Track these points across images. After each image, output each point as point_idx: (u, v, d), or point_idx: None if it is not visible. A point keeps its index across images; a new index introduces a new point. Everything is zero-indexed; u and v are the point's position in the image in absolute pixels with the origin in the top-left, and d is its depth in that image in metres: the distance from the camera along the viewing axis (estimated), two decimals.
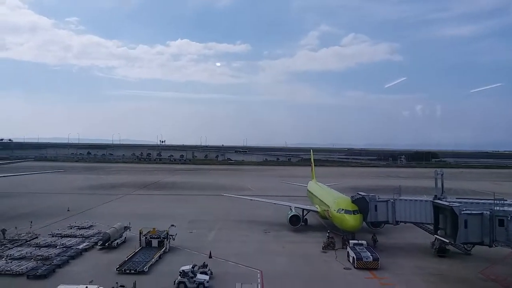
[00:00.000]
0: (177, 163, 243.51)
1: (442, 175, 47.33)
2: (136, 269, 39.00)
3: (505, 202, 40.77)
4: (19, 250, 44.87)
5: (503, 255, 43.72)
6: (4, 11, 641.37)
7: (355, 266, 41.07)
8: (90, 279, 35.57)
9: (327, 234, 50.75)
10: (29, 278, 37.22)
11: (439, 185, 46.87)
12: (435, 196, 45.71)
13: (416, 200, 48.02)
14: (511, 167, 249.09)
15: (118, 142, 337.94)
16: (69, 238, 50.95)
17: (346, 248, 45.40)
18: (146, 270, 39.13)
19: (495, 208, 38.20)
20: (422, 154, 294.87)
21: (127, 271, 38.75)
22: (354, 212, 48.98)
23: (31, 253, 43.83)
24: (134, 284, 34.30)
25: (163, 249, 46.05)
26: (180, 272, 35.81)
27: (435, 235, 45.03)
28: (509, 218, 36.72)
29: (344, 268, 41.34)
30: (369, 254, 42.04)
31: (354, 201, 50.85)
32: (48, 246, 47.29)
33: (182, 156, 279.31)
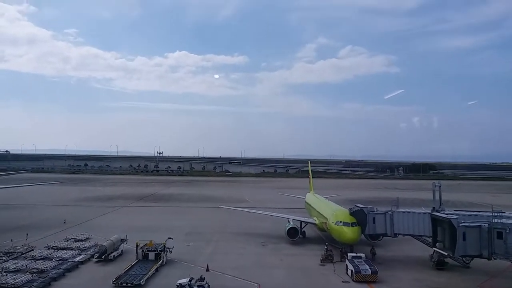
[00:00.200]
0: (175, 175, 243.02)
1: (440, 187, 47.29)
2: (132, 282, 38.56)
3: (503, 214, 40.72)
4: (15, 263, 44.29)
5: (502, 268, 43.66)
6: (3, 23, 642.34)
7: (354, 279, 40.76)
8: None
9: (325, 247, 50.49)
10: None
11: (437, 197, 46.83)
12: (433, 208, 45.64)
13: (414, 213, 47.90)
14: (509, 179, 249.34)
15: (116, 154, 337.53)
16: (65, 251, 50.43)
17: (345, 261, 45.07)
18: (142, 283, 38.72)
19: (494, 221, 38.17)
20: (419, 166, 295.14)
21: (124, 285, 38.31)
22: (352, 224, 48.80)
23: (26, 266, 43.30)
24: None
25: (160, 262, 45.65)
26: (177, 285, 35.51)
27: (433, 248, 44.86)
28: (507, 231, 36.69)
29: (342, 281, 41.02)
30: (368, 267, 41.77)
31: (352, 213, 50.68)
32: (44, 258, 46.72)
33: (179, 167, 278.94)
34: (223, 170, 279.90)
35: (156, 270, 43.43)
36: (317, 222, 60.94)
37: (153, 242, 48.91)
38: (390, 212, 48.38)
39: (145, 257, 46.85)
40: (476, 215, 42.49)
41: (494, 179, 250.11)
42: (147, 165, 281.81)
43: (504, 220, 38.50)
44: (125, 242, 52.45)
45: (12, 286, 37.31)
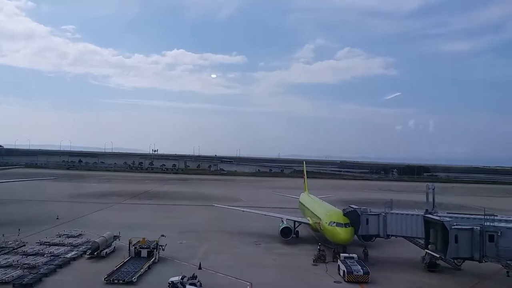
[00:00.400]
0: (169, 173, 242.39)
1: (433, 189, 47.54)
2: (124, 279, 38.47)
3: (495, 217, 40.95)
4: (6, 258, 44.06)
5: (493, 270, 43.94)
6: (1, 18, 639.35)
7: (346, 280, 40.86)
8: None
9: (318, 247, 50.57)
10: (15, 286, 36.55)
11: (430, 199, 47.06)
12: (426, 210, 45.88)
13: (407, 214, 48.07)
14: (502, 182, 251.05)
15: (110, 151, 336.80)
16: (57, 247, 50.19)
17: (337, 261, 45.22)
18: (134, 281, 38.62)
19: (486, 224, 38.43)
20: (414, 168, 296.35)
21: (115, 281, 38.22)
22: (345, 225, 48.94)
23: (18, 261, 43.10)
24: None
25: (153, 259, 45.53)
26: (169, 283, 35.44)
27: (425, 250, 45.06)
28: (499, 234, 36.94)
29: (334, 282, 41.09)
30: (360, 267, 41.88)
31: (345, 214, 50.85)
32: (36, 254, 46.49)
33: (174, 165, 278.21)
34: (218, 168, 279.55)
35: (149, 267, 43.31)
36: (310, 222, 61.05)
37: (146, 239, 48.80)
38: (383, 214, 48.56)
39: (138, 254, 46.72)
40: (468, 218, 42.74)
41: (488, 182, 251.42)
42: (142, 163, 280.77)
43: (496, 224, 38.78)
44: (118, 239, 52.27)
45: (3, 281, 37.13)
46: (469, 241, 38.21)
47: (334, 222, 49.77)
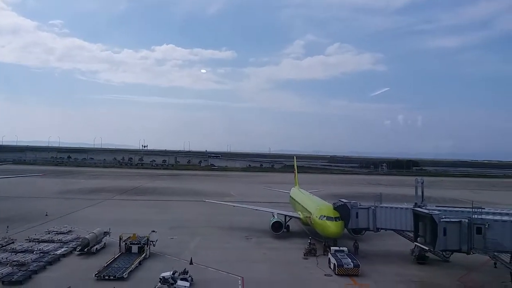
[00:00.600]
0: (159, 168, 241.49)
1: (422, 183, 47.97)
2: (115, 275, 38.33)
3: (483, 210, 41.52)
4: None
5: (480, 262, 44.63)
6: None
7: (336, 273, 41.17)
8: (67, 286, 34.98)
9: (309, 241, 50.84)
10: (4, 284, 36.22)
11: (419, 193, 47.50)
12: (415, 204, 46.28)
13: (396, 208, 48.53)
14: (489, 176, 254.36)
15: (100, 146, 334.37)
16: (46, 244, 49.82)
17: (327, 255, 45.55)
18: (125, 277, 38.50)
19: (473, 216, 38.89)
20: (403, 162, 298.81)
21: (106, 277, 38.06)
22: (335, 219, 49.27)
23: (6, 258, 42.63)
24: None
25: (143, 255, 45.41)
26: (160, 278, 35.35)
27: (415, 243, 45.57)
28: (486, 226, 37.44)
29: (325, 275, 41.40)
30: (350, 260, 42.25)
31: (335, 208, 51.16)
32: (25, 251, 46.07)
33: (164, 161, 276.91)
34: (209, 164, 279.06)
35: (139, 263, 43.22)
36: (301, 216, 61.33)
37: (136, 235, 48.63)
38: (373, 207, 48.95)
39: (128, 250, 46.59)
40: (456, 211, 43.25)
41: (475, 176, 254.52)
42: (132, 158, 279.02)
43: (483, 216, 39.26)
44: (108, 235, 52.03)
45: None
46: (457, 233, 38.68)
47: (325, 216, 50.07)
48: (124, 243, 47.17)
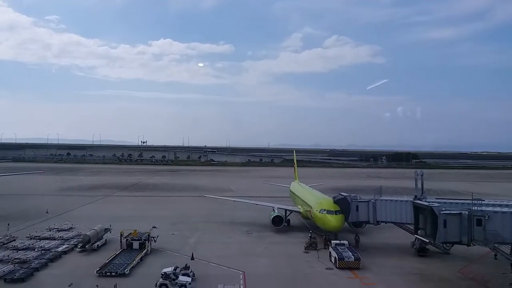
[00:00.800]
0: (159, 164, 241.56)
1: (422, 175, 47.97)
2: (117, 272, 38.43)
3: (482, 202, 41.61)
4: None
5: (480, 254, 44.77)
6: None
7: (337, 266, 41.33)
8: (69, 283, 35.06)
9: (309, 235, 50.96)
10: (7, 281, 36.32)
11: (419, 185, 47.51)
12: (415, 196, 46.32)
13: (396, 201, 48.63)
14: (489, 167, 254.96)
15: (99, 143, 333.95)
16: (48, 241, 49.88)
17: (328, 248, 45.68)
18: (127, 273, 38.61)
19: (473, 208, 38.91)
20: (402, 155, 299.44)
21: (108, 274, 38.14)
22: (336, 212, 49.34)
23: (8, 256, 42.75)
24: (115, 286, 33.91)
25: (145, 251, 45.52)
26: (161, 274, 35.46)
27: (415, 235, 45.66)
28: (486, 218, 37.47)
29: (326, 268, 41.56)
30: (351, 254, 42.37)
31: (336, 201, 51.24)
32: (26, 249, 46.21)
33: (164, 157, 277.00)
34: (209, 159, 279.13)
35: (141, 259, 43.33)
36: (301, 210, 61.43)
37: (137, 231, 48.72)
38: (373, 200, 49.05)
39: (130, 247, 46.71)
40: (456, 203, 43.24)
41: (475, 167, 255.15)
42: (131, 155, 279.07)
43: (483, 208, 39.30)
44: (109, 232, 52.14)
45: None
46: (457, 225, 38.72)
47: (325, 210, 50.13)
48: (125, 239, 47.28)
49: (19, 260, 41.29)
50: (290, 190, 78.37)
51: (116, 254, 44.13)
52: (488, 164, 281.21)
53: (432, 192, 71.43)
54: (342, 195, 51.39)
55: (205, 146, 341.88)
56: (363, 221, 50.92)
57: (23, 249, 45.96)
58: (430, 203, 41.58)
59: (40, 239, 51.04)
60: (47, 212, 71.15)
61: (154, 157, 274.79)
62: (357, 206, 49.37)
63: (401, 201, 48.24)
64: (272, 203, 66.48)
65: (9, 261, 40.97)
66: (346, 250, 43.64)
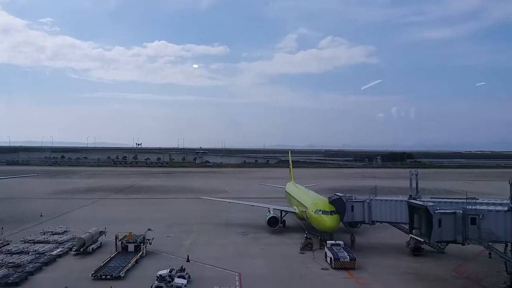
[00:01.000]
0: (154, 166, 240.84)
1: (416, 175, 48.01)
2: (112, 275, 38.24)
3: (477, 201, 41.74)
4: None
5: (475, 252, 45.02)
6: None
7: (333, 267, 41.39)
8: (64, 286, 34.83)
9: (305, 235, 51.01)
10: (1, 286, 36.01)
11: (414, 185, 47.56)
12: (410, 196, 46.38)
13: (391, 200, 48.79)
14: (483, 166, 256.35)
15: (93, 145, 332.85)
16: (42, 244, 49.54)
17: (324, 249, 45.73)
18: (122, 275, 38.45)
19: (468, 207, 39.02)
20: (397, 154, 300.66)
21: (103, 277, 37.96)
22: (331, 212, 49.40)
23: (2, 260, 42.39)
24: None
25: (140, 253, 45.34)
26: (157, 276, 35.31)
27: (410, 235, 45.76)
28: (481, 217, 37.59)
29: (321, 269, 41.61)
30: (346, 254, 42.45)
31: (331, 202, 51.32)
32: (20, 252, 45.83)
33: (159, 159, 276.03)
34: (204, 161, 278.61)
35: (136, 261, 43.15)
36: (297, 211, 61.48)
37: (132, 234, 48.53)
38: (368, 200, 49.20)
39: (125, 249, 46.50)
40: (451, 202, 43.35)
41: (469, 167, 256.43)
42: (126, 157, 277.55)
43: (477, 207, 39.41)
44: (104, 235, 51.81)
45: None
46: (452, 224, 38.83)
47: (320, 210, 50.19)
48: (120, 242, 47.07)
49: (13, 264, 40.86)
50: (286, 191, 78.41)
51: (111, 257, 43.91)
52: (482, 163, 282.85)
53: (427, 191, 71.51)
54: (337, 195, 51.49)
55: (200, 147, 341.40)
56: (358, 221, 51.05)
57: (17, 253, 45.57)
58: (425, 203, 41.67)
59: (35, 242, 50.69)
60: (41, 215, 70.72)
61: (149, 159, 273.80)
62: (352, 206, 49.49)
63: (396, 200, 48.40)
64: (267, 204, 66.49)
65: (3, 265, 40.56)
66: (342, 250, 43.71)
